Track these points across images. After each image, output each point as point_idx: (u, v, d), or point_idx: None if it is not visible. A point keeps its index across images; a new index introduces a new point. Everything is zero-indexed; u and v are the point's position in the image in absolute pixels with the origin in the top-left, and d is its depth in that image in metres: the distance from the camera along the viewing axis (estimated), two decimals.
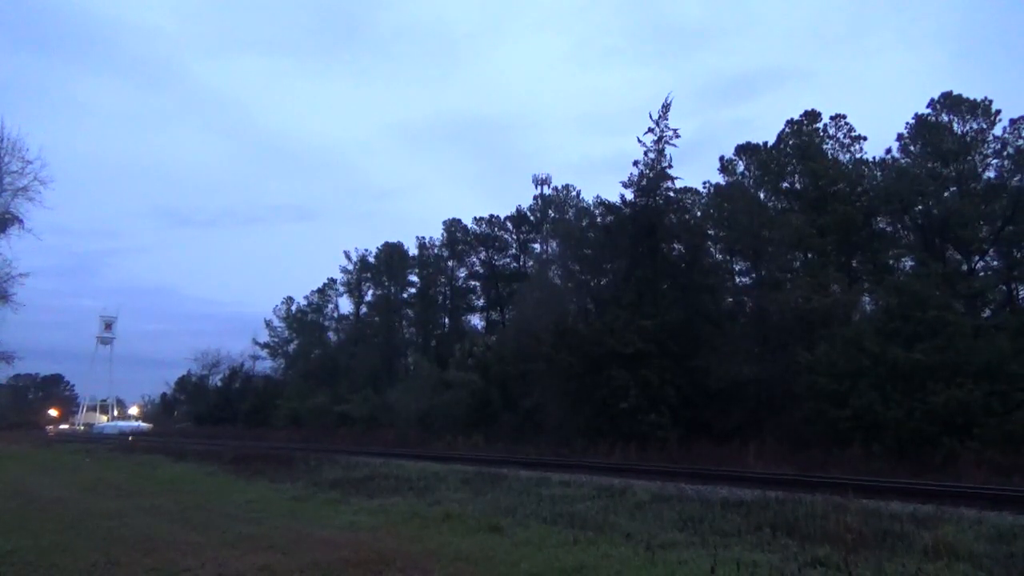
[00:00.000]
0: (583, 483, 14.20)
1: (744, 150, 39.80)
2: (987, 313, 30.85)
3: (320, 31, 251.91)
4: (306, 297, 75.33)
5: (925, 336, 22.52)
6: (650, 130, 32.14)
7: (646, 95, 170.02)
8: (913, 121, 35.37)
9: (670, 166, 32.40)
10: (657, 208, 32.13)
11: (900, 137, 35.74)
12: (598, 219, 39.70)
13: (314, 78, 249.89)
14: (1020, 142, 32.63)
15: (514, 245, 60.02)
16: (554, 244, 50.39)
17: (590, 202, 51.03)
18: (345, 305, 72.40)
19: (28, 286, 30.78)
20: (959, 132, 34.24)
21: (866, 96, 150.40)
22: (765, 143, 38.88)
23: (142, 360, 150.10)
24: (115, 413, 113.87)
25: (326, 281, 73.81)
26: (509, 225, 59.48)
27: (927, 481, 14.98)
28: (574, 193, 56.57)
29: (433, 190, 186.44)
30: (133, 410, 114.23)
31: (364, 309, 69.19)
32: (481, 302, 61.85)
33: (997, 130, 33.48)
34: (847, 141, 36.96)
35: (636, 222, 31.86)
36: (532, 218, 58.26)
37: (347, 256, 69.20)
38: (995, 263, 32.41)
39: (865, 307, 31.33)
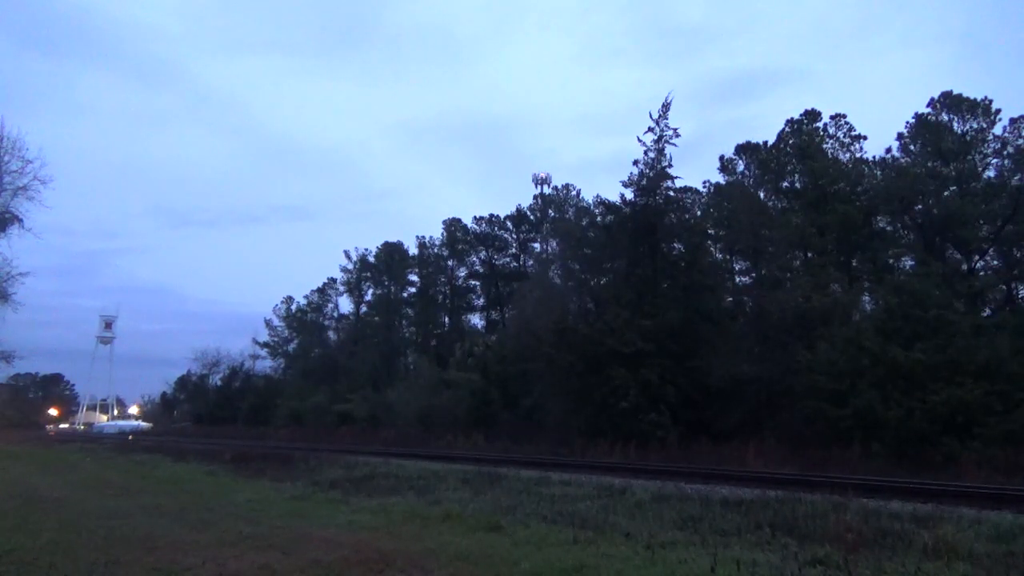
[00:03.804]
0: (583, 482, 14.19)
1: (744, 149, 39.84)
2: (987, 312, 30.87)
3: (323, 31, 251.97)
4: (306, 297, 75.45)
5: (925, 335, 22.51)
6: (650, 129, 32.10)
7: (647, 95, 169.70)
8: (913, 120, 35.41)
9: (670, 165, 32.36)
10: (657, 208, 32.08)
11: (900, 136, 35.81)
12: (598, 219, 39.68)
13: (316, 78, 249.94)
14: (1020, 141, 32.67)
15: (514, 245, 60.12)
16: (554, 244, 50.39)
17: (590, 202, 51.19)
18: (345, 305, 72.61)
19: (28, 286, 30.82)
20: (959, 131, 34.29)
21: (866, 96, 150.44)
22: (765, 142, 38.94)
23: (142, 360, 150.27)
24: (115, 412, 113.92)
25: (326, 281, 73.98)
26: (509, 225, 59.58)
27: (927, 480, 14.96)
28: (574, 193, 56.82)
29: (433, 190, 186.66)
30: (133, 409, 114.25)
31: (364, 309, 69.25)
32: (481, 302, 61.97)
33: (997, 129, 33.61)
34: (847, 140, 37.01)
35: (636, 221, 31.80)
36: (532, 218, 58.37)
37: (347, 256, 69.39)
38: (995, 262, 32.45)
39: (865, 306, 31.32)
